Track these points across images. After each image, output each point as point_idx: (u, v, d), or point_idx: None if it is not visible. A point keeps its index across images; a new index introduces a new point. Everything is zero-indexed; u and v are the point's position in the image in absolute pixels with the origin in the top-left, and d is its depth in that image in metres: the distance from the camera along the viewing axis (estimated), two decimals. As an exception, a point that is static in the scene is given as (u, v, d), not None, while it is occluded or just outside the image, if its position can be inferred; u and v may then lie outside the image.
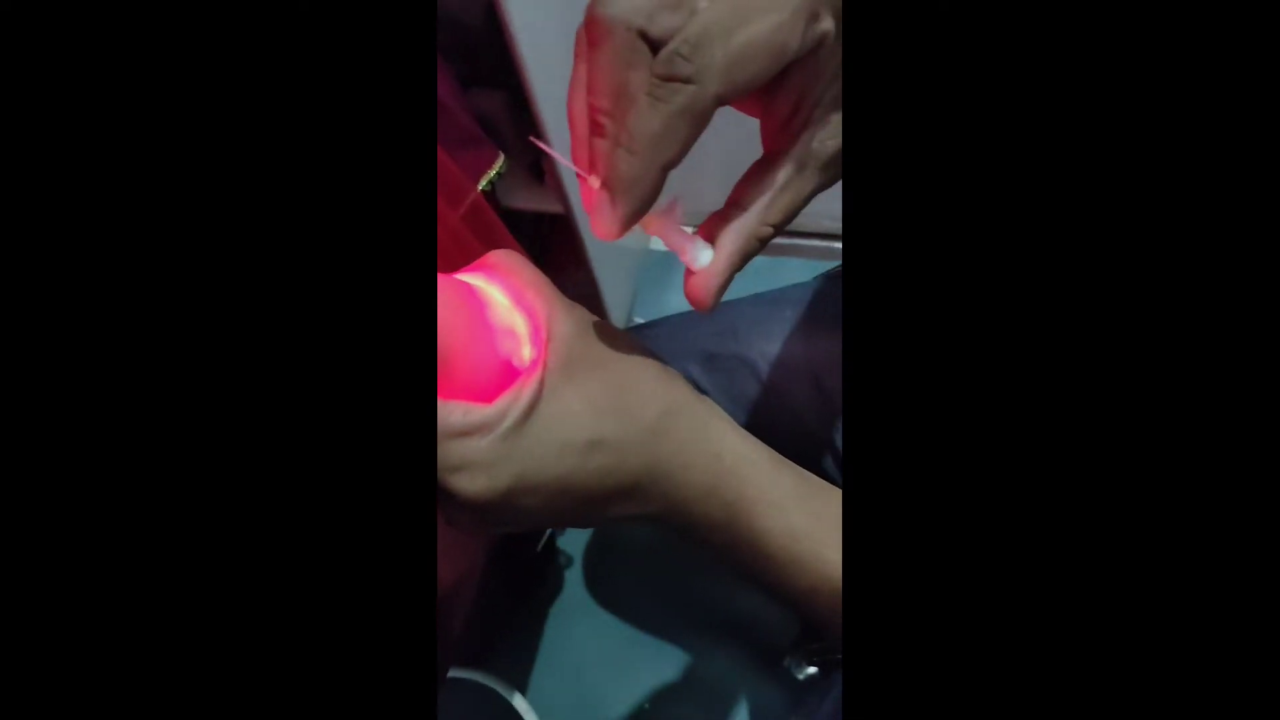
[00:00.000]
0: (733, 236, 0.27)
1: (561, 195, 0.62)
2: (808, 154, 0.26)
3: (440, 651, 0.46)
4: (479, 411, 0.26)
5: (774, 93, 0.26)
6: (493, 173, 0.52)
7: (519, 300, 0.29)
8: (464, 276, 0.29)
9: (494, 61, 0.57)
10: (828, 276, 0.52)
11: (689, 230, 0.28)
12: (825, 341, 0.48)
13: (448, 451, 0.25)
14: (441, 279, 0.26)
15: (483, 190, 0.49)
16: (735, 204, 0.27)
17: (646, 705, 0.61)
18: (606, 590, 0.66)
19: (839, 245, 0.96)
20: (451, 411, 0.25)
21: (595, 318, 0.29)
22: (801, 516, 0.30)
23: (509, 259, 0.30)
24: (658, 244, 0.96)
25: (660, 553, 0.64)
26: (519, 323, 0.28)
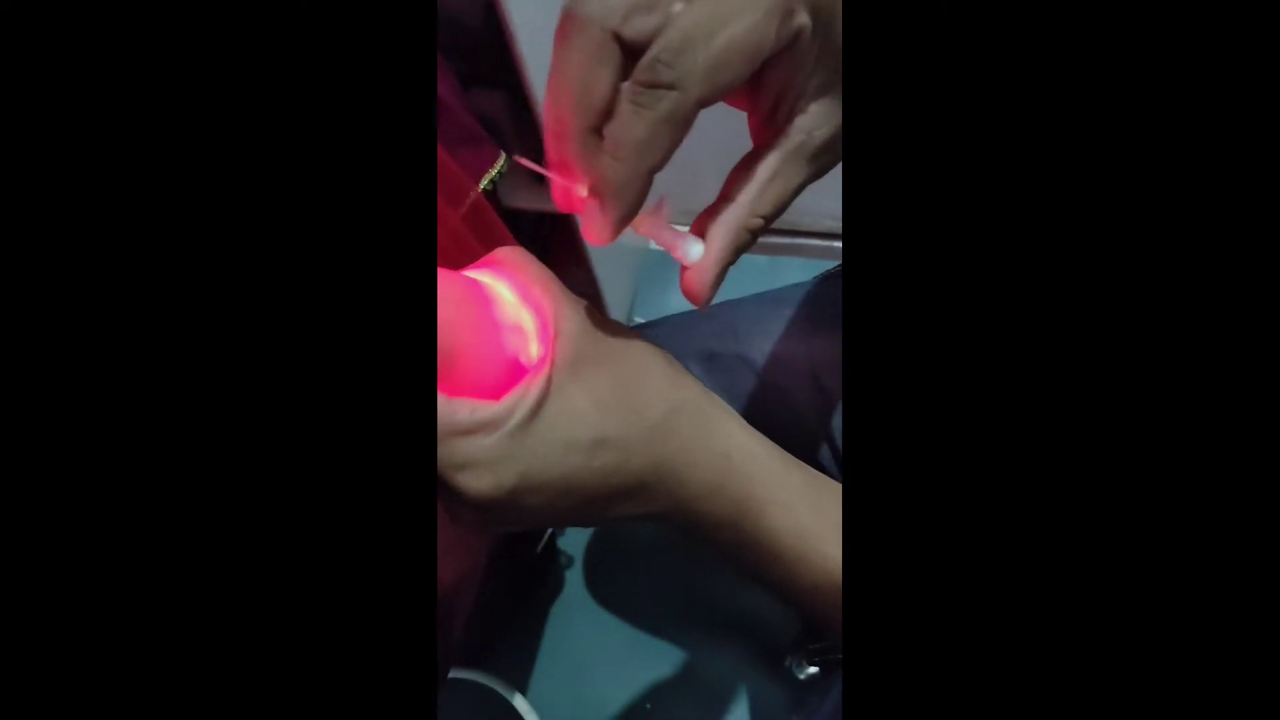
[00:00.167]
0: (723, 229, 0.27)
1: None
2: (794, 145, 0.27)
3: (441, 652, 0.46)
4: (485, 409, 0.26)
5: (757, 88, 0.26)
6: (494, 172, 0.52)
7: (526, 297, 0.29)
8: (471, 273, 0.29)
9: (494, 61, 0.57)
10: (827, 276, 0.52)
11: (682, 228, 0.28)
12: (825, 341, 0.48)
13: (454, 449, 0.25)
14: (448, 275, 0.26)
15: (483, 190, 0.49)
16: (725, 198, 0.27)
17: (647, 705, 0.61)
18: (607, 590, 0.66)
19: (839, 245, 0.96)
20: (458, 409, 0.25)
21: (602, 314, 0.29)
22: (809, 515, 0.30)
23: (516, 255, 0.30)
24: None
25: (661, 552, 0.64)
26: (526, 319, 0.28)
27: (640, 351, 0.30)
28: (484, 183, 0.51)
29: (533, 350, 0.28)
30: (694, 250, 0.27)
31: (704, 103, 0.23)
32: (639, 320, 0.90)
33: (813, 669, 0.55)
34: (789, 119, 0.27)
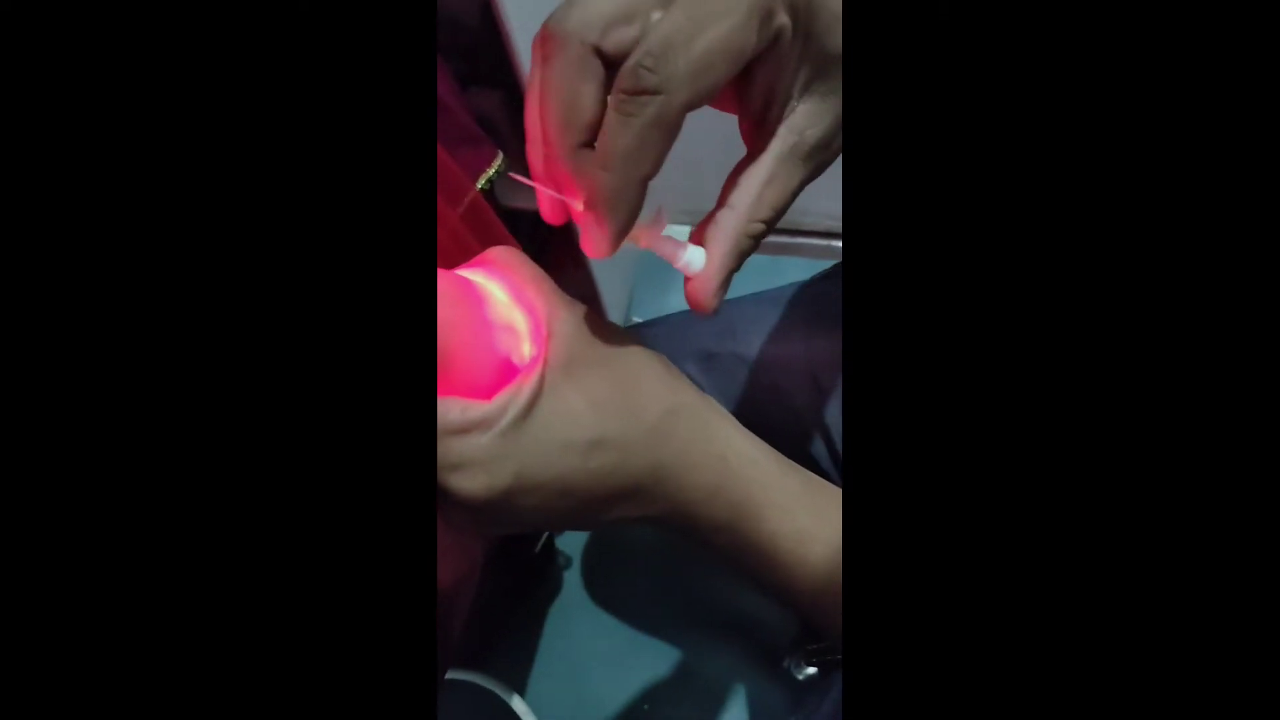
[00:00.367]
0: (724, 237, 0.27)
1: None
2: (788, 146, 0.27)
3: (440, 654, 0.46)
4: (478, 408, 0.26)
5: (744, 91, 0.26)
6: (492, 171, 0.52)
7: (519, 296, 0.29)
8: (463, 272, 0.29)
9: (492, 61, 0.57)
10: (826, 275, 0.52)
11: (682, 236, 0.29)
12: (824, 341, 0.48)
13: (446, 449, 0.25)
14: (441, 274, 0.26)
15: (481, 189, 0.49)
16: (724, 205, 0.27)
17: (645, 706, 0.61)
18: (606, 590, 0.66)
19: (839, 244, 0.96)
20: (449, 408, 0.25)
21: (597, 316, 0.29)
22: (807, 518, 0.30)
23: (509, 255, 0.29)
24: (656, 244, 0.96)
25: (660, 553, 0.64)
26: (519, 319, 0.28)
27: (635, 353, 0.30)
28: (481, 182, 0.51)
29: (525, 350, 0.28)
30: (696, 260, 0.27)
31: (689, 106, 0.23)
32: (637, 320, 0.90)
33: (811, 670, 0.55)
34: (779, 120, 0.26)
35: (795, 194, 0.28)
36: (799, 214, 1.00)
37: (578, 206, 0.26)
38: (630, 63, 0.23)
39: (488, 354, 0.27)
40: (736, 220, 0.27)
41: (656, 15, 0.24)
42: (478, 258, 0.30)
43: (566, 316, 0.28)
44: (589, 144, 0.25)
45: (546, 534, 0.68)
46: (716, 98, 0.24)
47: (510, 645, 0.66)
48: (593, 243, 0.26)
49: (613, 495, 0.28)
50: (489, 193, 0.51)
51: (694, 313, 0.28)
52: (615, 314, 0.87)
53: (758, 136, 0.27)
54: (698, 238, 0.28)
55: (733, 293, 0.30)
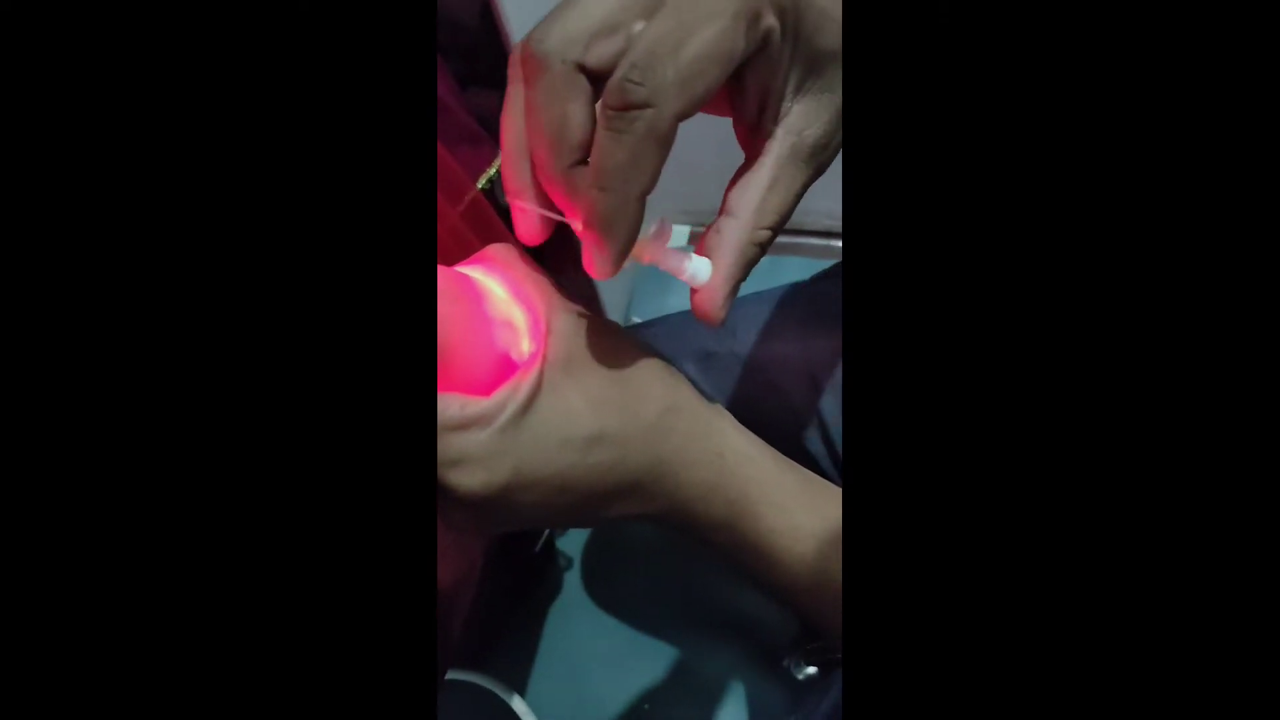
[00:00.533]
0: (729, 247, 0.26)
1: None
2: (787, 148, 0.26)
3: (440, 654, 0.46)
4: (476, 404, 0.25)
5: (737, 95, 0.26)
6: (492, 171, 0.52)
7: (518, 293, 0.29)
8: (463, 269, 0.29)
9: (492, 61, 0.57)
10: (826, 275, 0.52)
11: (683, 235, 0.28)
12: (823, 340, 0.48)
13: (444, 445, 0.25)
14: (440, 271, 0.26)
15: (482, 188, 0.49)
16: (727, 213, 0.27)
17: (645, 706, 0.61)
18: (606, 590, 0.66)
19: (839, 244, 0.96)
20: (448, 404, 0.25)
21: (596, 314, 0.29)
22: (805, 516, 0.30)
23: (508, 252, 0.29)
24: (656, 244, 0.96)
25: (660, 553, 0.64)
26: (517, 316, 0.28)
27: (634, 352, 0.30)
28: (481, 181, 0.51)
29: (524, 347, 0.28)
30: (701, 271, 0.27)
31: (681, 116, 0.23)
32: (636, 320, 0.90)
33: (811, 669, 0.55)
34: (775, 122, 0.26)
35: (799, 196, 0.27)
36: (799, 213, 1.00)
37: (577, 227, 0.25)
38: (616, 77, 0.22)
39: (487, 350, 0.27)
40: (741, 229, 0.27)
41: (639, 25, 0.23)
42: (477, 255, 0.30)
43: (565, 314, 0.28)
44: (583, 161, 0.24)
45: (546, 534, 0.68)
46: (709, 103, 0.24)
47: (510, 645, 0.66)
48: (595, 264, 0.25)
49: (611, 492, 0.28)
50: (489, 192, 0.51)
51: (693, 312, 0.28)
52: (615, 314, 0.87)
53: (754, 140, 0.27)
54: (702, 248, 0.27)
55: (732, 292, 0.30)
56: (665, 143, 0.23)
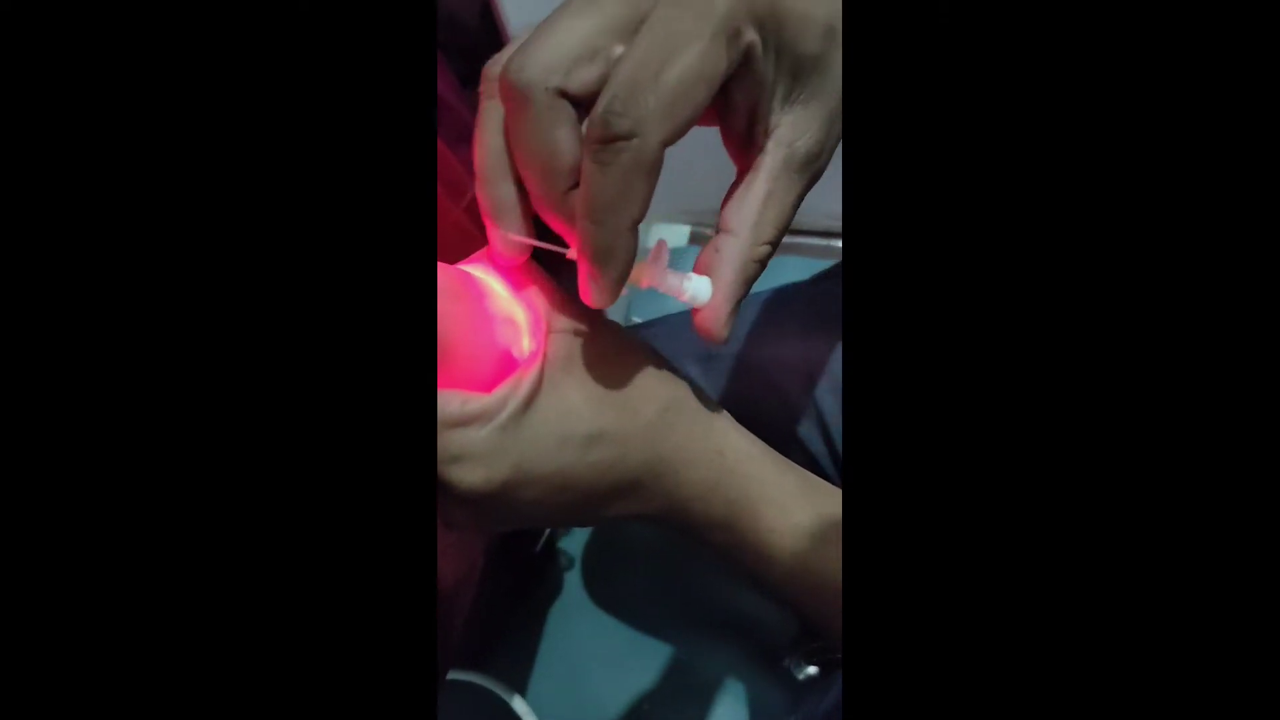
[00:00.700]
0: (729, 265, 0.26)
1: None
2: (780, 160, 0.26)
3: (440, 654, 0.46)
4: (477, 401, 0.25)
5: (724, 111, 0.25)
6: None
7: (519, 292, 0.29)
8: (465, 266, 0.29)
9: (491, 61, 0.57)
10: (825, 275, 0.52)
11: (682, 236, 0.28)
12: (824, 341, 0.48)
13: (445, 441, 0.25)
14: (441, 268, 0.26)
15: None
16: (725, 230, 0.26)
17: (646, 706, 0.61)
18: (606, 590, 0.66)
19: (839, 244, 0.96)
20: (449, 401, 0.25)
21: (596, 313, 0.29)
22: (804, 516, 0.30)
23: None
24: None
25: (660, 553, 0.64)
26: (519, 314, 0.28)
27: (633, 349, 0.30)
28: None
29: (525, 344, 0.28)
30: (702, 291, 0.27)
31: (667, 142, 0.22)
32: (637, 320, 0.90)
33: (811, 669, 0.55)
34: (766, 135, 0.26)
35: (796, 207, 0.27)
36: (799, 213, 1.00)
37: (572, 254, 0.25)
38: (599, 110, 0.22)
39: (488, 347, 0.27)
40: (740, 246, 0.26)
41: (619, 49, 0.23)
42: (479, 253, 0.30)
43: (566, 313, 0.28)
44: (577, 185, 0.24)
45: (547, 534, 0.68)
46: (698, 120, 0.24)
47: (511, 645, 0.66)
48: (592, 294, 0.25)
49: (611, 490, 0.28)
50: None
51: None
52: (615, 314, 0.87)
53: (746, 154, 0.27)
54: (701, 267, 0.27)
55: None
56: (653, 170, 0.23)
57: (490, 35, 0.54)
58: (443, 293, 0.25)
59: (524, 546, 0.66)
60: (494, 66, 0.25)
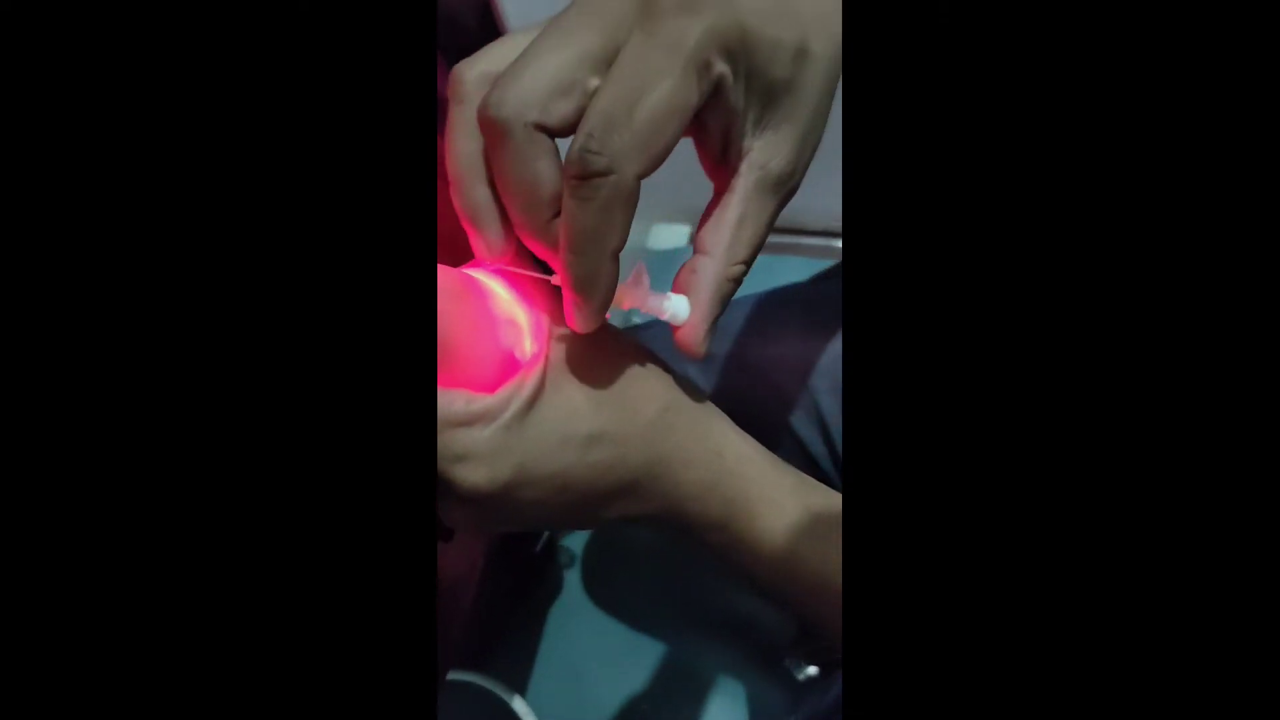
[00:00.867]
0: (705, 285, 0.27)
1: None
2: (753, 182, 0.26)
3: (441, 655, 0.46)
4: (481, 401, 0.26)
5: (700, 134, 0.26)
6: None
7: (521, 294, 0.29)
8: (467, 269, 0.29)
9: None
10: (824, 276, 0.52)
11: (681, 236, 0.29)
12: (823, 342, 0.48)
13: (449, 440, 0.25)
14: (443, 269, 0.26)
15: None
16: (701, 251, 0.27)
17: (645, 706, 0.61)
18: (606, 590, 0.66)
19: (839, 244, 0.96)
20: (453, 400, 0.25)
21: None
22: (802, 515, 0.30)
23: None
24: (656, 244, 0.96)
25: (660, 554, 0.64)
26: (520, 316, 0.28)
27: (634, 352, 0.30)
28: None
29: (527, 346, 0.28)
30: (681, 310, 0.28)
31: (643, 175, 0.23)
32: (637, 321, 0.90)
33: (811, 669, 0.55)
34: (740, 157, 0.26)
35: (770, 225, 0.28)
36: (799, 213, 1.00)
37: (555, 280, 0.26)
38: (575, 147, 0.23)
39: (491, 348, 0.27)
40: (716, 266, 0.27)
41: (595, 81, 0.23)
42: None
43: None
44: (559, 213, 0.24)
45: (547, 535, 0.68)
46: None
47: (511, 646, 0.66)
48: (576, 320, 0.26)
49: (610, 491, 0.28)
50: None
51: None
52: (615, 316, 0.87)
53: (720, 174, 0.27)
54: (679, 286, 0.28)
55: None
56: (630, 202, 0.23)
57: (490, 36, 0.54)
58: (445, 294, 0.26)
59: (524, 547, 0.67)
60: (466, 70, 0.25)
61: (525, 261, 0.28)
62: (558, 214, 0.24)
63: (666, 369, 0.31)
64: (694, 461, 0.29)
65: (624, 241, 0.24)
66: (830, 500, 0.30)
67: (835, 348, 0.47)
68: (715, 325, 0.28)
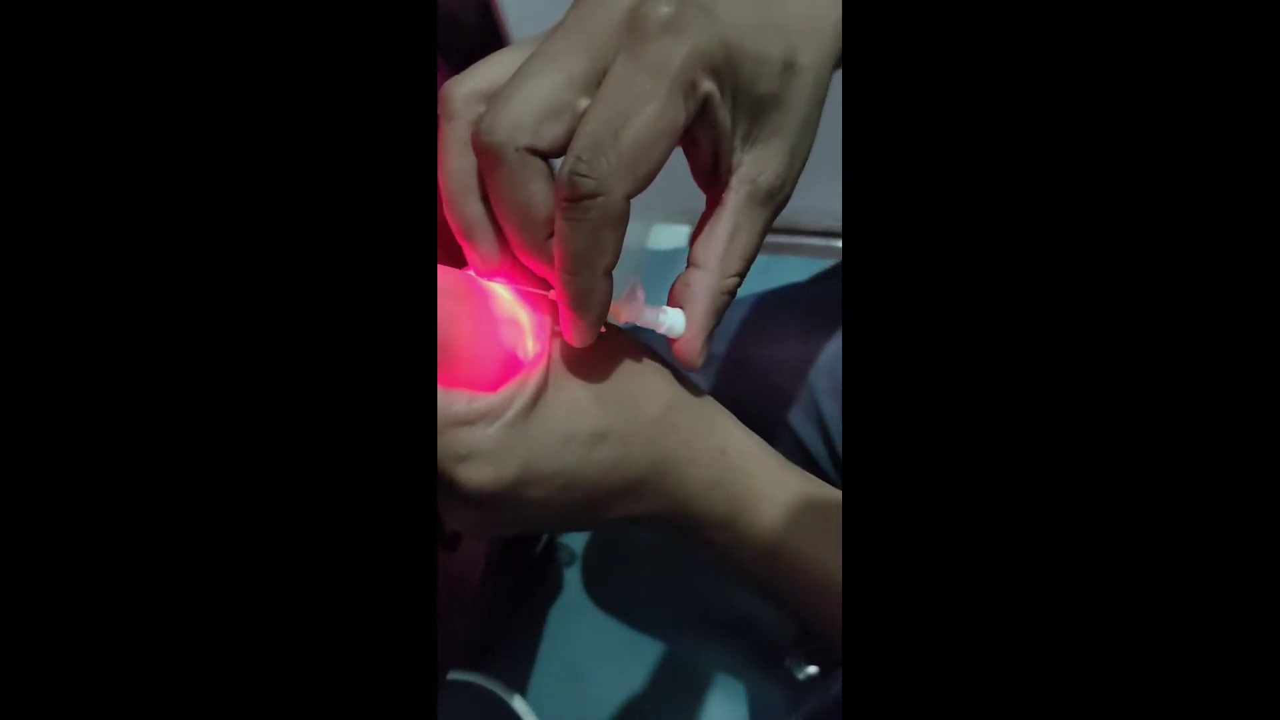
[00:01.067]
0: (700, 299, 0.28)
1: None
2: (744, 196, 0.27)
3: (440, 654, 0.46)
4: (484, 400, 0.26)
5: (689, 149, 0.27)
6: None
7: (523, 293, 0.29)
8: (470, 270, 0.29)
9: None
10: (824, 276, 0.52)
11: (681, 236, 0.29)
12: (823, 342, 0.48)
13: (452, 440, 0.25)
14: (445, 269, 0.26)
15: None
16: (694, 265, 0.28)
17: (646, 706, 0.61)
18: (606, 590, 0.66)
19: (839, 244, 0.96)
20: (455, 399, 0.25)
21: None
22: (805, 513, 0.30)
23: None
24: (657, 244, 0.96)
25: (661, 553, 0.64)
26: (522, 315, 0.28)
27: (636, 350, 0.30)
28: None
29: (529, 346, 0.28)
30: (676, 323, 0.28)
31: (632, 195, 0.23)
32: (637, 321, 0.90)
33: (811, 669, 0.55)
34: (730, 171, 0.27)
35: (763, 236, 0.28)
36: (798, 213, 1.00)
37: (552, 296, 0.26)
38: (564, 171, 0.23)
39: (493, 347, 0.27)
40: (709, 279, 0.28)
41: (584, 103, 0.24)
42: None
43: None
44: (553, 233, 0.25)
45: (547, 535, 0.68)
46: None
47: (511, 646, 0.66)
48: (573, 336, 0.26)
49: (615, 489, 0.28)
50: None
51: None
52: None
53: (712, 187, 0.28)
54: (674, 299, 0.28)
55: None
56: (620, 222, 0.24)
57: (490, 36, 0.54)
58: (447, 294, 0.26)
59: (525, 547, 0.67)
60: (455, 87, 0.26)
61: (520, 272, 0.28)
62: (554, 232, 0.25)
63: (669, 367, 0.31)
64: (698, 459, 0.29)
65: (616, 259, 0.25)
66: (834, 498, 0.30)
67: (834, 348, 0.47)
68: (711, 337, 0.28)
